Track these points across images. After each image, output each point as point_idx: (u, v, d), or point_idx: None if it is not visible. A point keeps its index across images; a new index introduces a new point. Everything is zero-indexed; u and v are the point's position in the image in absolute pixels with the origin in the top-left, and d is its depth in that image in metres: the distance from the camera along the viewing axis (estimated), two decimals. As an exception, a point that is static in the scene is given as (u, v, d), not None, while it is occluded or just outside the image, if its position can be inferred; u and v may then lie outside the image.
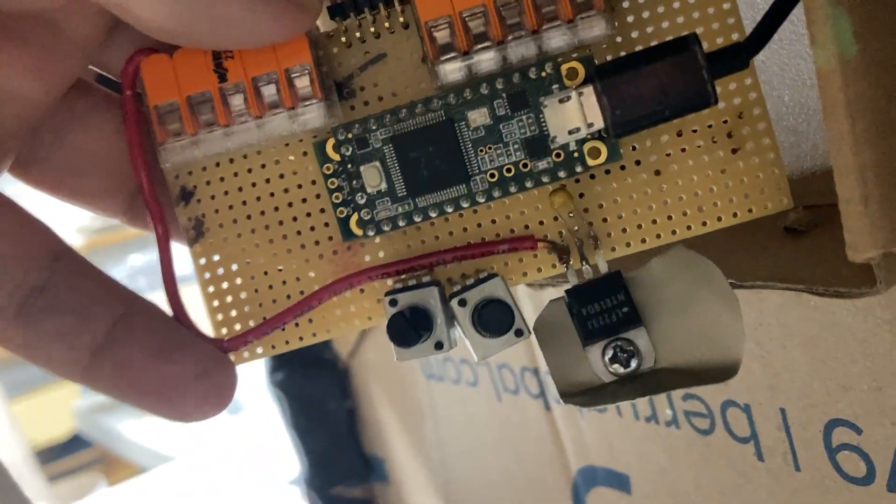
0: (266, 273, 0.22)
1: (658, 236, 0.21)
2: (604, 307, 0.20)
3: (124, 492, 0.89)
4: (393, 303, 0.20)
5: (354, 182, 0.21)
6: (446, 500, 0.45)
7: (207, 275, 0.22)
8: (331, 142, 0.21)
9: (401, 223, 0.21)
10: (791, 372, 0.25)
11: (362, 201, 0.21)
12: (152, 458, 1.22)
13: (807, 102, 0.25)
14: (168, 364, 0.20)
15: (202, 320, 0.22)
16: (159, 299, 0.21)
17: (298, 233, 0.22)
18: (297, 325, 0.22)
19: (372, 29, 0.21)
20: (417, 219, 0.21)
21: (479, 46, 0.20)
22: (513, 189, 0.21)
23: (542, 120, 0.20)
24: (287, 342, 0.22)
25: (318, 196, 0.22)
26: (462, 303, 0.20)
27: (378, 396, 0.49)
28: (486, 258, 0.21)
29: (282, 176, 0.22)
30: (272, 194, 0.22)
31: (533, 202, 0.22)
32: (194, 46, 0.20)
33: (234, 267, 0.22)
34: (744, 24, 0.21)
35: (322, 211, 0.22)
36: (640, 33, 0.21)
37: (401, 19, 0.21)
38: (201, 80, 0.20)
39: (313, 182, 0.22)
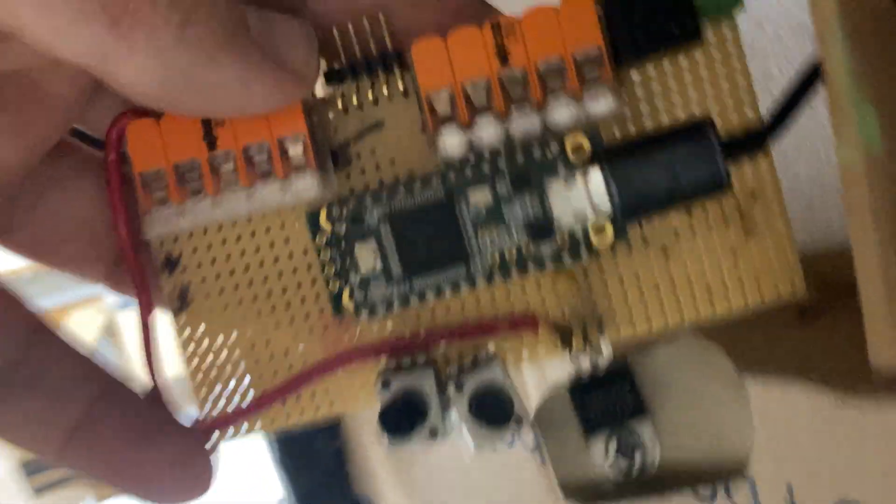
0: (253, 347, 0.21)
1: (664, 319, 0.20)
2: (608, 397, 0.19)
3: (111, 507, 0.88)
4: (385, 385, 0.19)
5: (348, 260, 0.20)
6: (436, 547, 0.44)
7: (192, 347, 0.21)
8: (324, 212, 0.20)
9: (395, 306, 0.20)
10: (799, 448, 0.24)
11: (355, 281, 0.20)
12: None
13: (820, 177, 0.24)
14: (144, 450, 0.19)
15: (185, 394, 0.21)
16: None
17: (288, 305, 0.21)
18: (283, 403, 0.21)
19: (370, 95, 0.20)
20: (413, 301, 0.20)
21: (481, 119, 0.19)
22: (514, 273, 0.20)
23: (545, 202, 0.19)
24: (273, 421, 0.21)
25: (309, 267, 0.21)
26: (459, 387, 0.19)
27: (369, 437, 0.48)
28: (484, 338, 0.20)
29: (272, 245, 0.21)
30: (261, 263, 0.21)
31: (534, 282, 0.20)
32: (183, 114, 0.19)
33: (220, 339, 0.21)
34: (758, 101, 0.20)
35: (313, 283, 0.21)
36: (650, 108, 0.20)
37: (400, 86, 0.20)
38: (190, 148, 0.19)
39: (305, 252, 0.21)
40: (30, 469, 1.59)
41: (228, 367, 0.21)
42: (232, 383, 0.21)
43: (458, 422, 0.19)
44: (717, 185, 0.17)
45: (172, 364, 0.21)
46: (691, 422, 0.19)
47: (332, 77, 0.20)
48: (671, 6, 0.19)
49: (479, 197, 0.19)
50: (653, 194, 0.18)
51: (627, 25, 0.19)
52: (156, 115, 0.19)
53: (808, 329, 0.23)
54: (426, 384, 0.19)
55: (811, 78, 0.18)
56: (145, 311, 0.21)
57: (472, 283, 0.20)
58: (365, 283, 0.20)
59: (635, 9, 0.18)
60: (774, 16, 0.28)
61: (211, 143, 0.19)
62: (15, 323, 0.19)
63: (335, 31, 0.20)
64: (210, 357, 0.21)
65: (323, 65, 0.20)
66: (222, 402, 0.21)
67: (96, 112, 0.20)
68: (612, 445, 0.19)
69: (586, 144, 0.19)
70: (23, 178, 0.19)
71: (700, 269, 0.20)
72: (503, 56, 0.19)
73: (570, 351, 0.20)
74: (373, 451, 0.48)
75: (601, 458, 0.19)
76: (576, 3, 0.19)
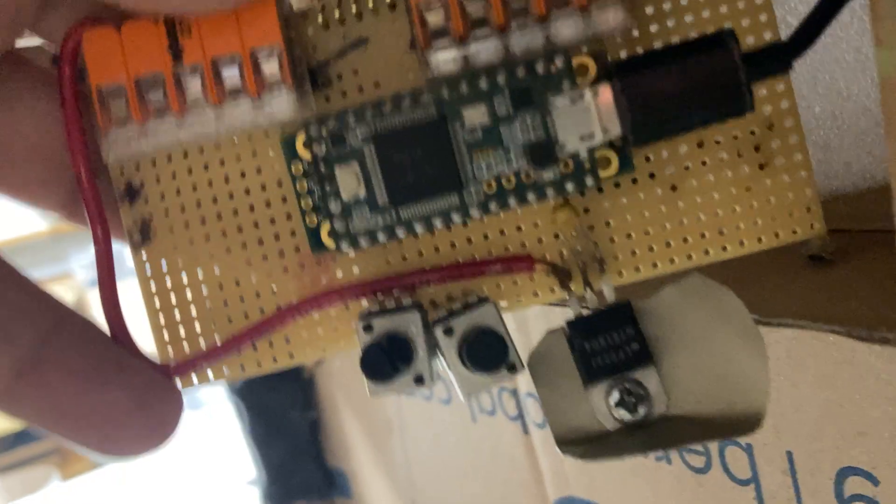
0: (221, 287, 0.19)
1: (672, 261, 0.19)
2: (610, 342, 0.17)
3: (78, 487, 0.86)
4: (367, 328, 0.18)
5: (328, 186, 0.18)
6: (412, 521, 0.43)
7: (153, 286, 0.19)
8: (301, 137, 0.18)
9: (380, 237, 0.18)
10: (801, 412, 0.23)
11: (336, 210, 0.18)
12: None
13: (840, 115, 0.22)
14: (101, 391, 0.17)
15: (145, 338, 0.19)
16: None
17: (260, 242, 0.19)
18: (255, 348, 0.19)
19: (353, 8, 0.19)
20: (400, 232, 0.18)
21: (478, 33, 0.17)
22: (512, 203, 0.18)
23: (549, 123, 0.17)
24: (243, 367, 0.19)
25: (284, 200, 0.19)
26: (448, 332, 0.17)
27: (344, 408, 0.46)
28: (475, 279, 0.19)
29: (243, 174, 0.19)
30: (231, 195, 0.19)
31: (531, 217, 0.19)
32: (146, 10, 0.17)
33: (185, 278, 0.19)
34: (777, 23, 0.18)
35: (289, 217, 0.19)
36: (660, 27, 0.18)
37: (387, -1, 0.18)
38: (153, 60, 0.17)
39: (279, 183, 0.19)
40: (-6, 449, 1.56)
41: (193, 309, 0.19)
42: (198, 327, 0.19)
43: (446, 368, 0.18)
44: (740, 105, 0.16)
45: (132, 305, 0.19)
46: (701, 372, 0.18)
47: (312, -13, 0.18)
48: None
49: (475, 116, 0.17)
50: (669, 114, 0.16)
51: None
52: (116, 23, 0.17)
53: (817, 278, 0.22)
54: (412, 327, 0.18)
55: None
56: (102, 245, 0.19)
57: (465, 213, 0.18)
58: (346, 212, 0.18)
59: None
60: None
61: (176, 54, 0.17)
62: None
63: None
64: (173, 297, 0.19)
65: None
66: (186, 347, 0.19)
67: (52, 20, 0.18)
68: (614, 396, 0.17)
69: (591, 63, 0.17)
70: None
71: (711, 206, 0.19)
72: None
73: (569, 295, 0.19)
74: (349, 424, 0.46)
75: (602, 409, 0.18)
76: None
